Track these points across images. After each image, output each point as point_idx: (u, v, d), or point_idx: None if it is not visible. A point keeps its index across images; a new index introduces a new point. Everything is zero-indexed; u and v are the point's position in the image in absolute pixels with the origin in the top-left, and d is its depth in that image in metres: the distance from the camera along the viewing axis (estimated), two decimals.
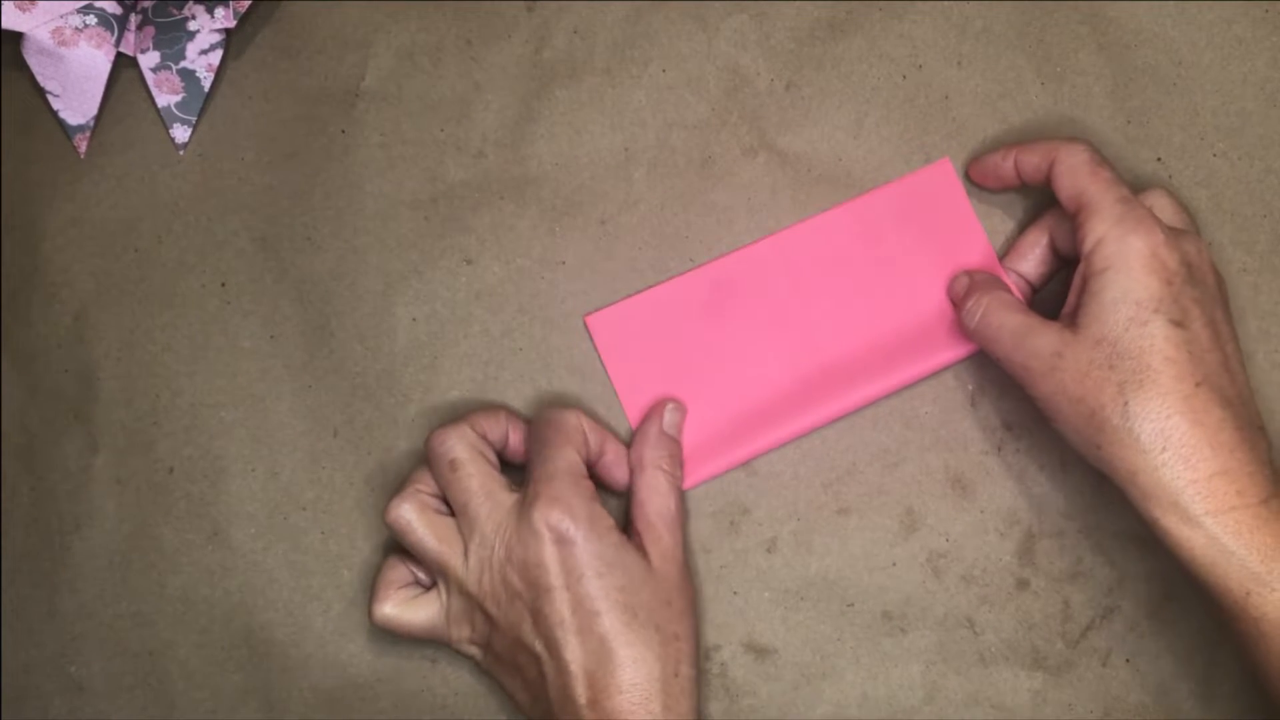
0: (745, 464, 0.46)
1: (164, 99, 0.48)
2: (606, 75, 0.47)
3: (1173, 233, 0.39)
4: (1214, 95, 0.46)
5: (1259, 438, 0.38)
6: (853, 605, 0.46)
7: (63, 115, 0.48)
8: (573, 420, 0.43)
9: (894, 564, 0.46)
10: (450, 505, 0.42)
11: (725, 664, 0.45)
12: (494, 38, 0.48)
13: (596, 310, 0.46)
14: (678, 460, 0.44)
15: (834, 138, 0.47)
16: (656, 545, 0.42)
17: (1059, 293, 0.43)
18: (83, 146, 0.49)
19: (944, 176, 0.46)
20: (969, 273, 0.45)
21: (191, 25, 0.47)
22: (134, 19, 0.48)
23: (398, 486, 0.43)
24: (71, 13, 0.46)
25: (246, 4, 0.46)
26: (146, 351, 0.48)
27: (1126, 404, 0.37)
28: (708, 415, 0.46)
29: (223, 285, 0.48)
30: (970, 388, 0.46)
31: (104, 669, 0.47)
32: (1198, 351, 0.38)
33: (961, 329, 0.44)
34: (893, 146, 0.47)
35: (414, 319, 0.47)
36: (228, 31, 0.48)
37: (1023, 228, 0.46)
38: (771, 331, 0.46)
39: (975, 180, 0.46)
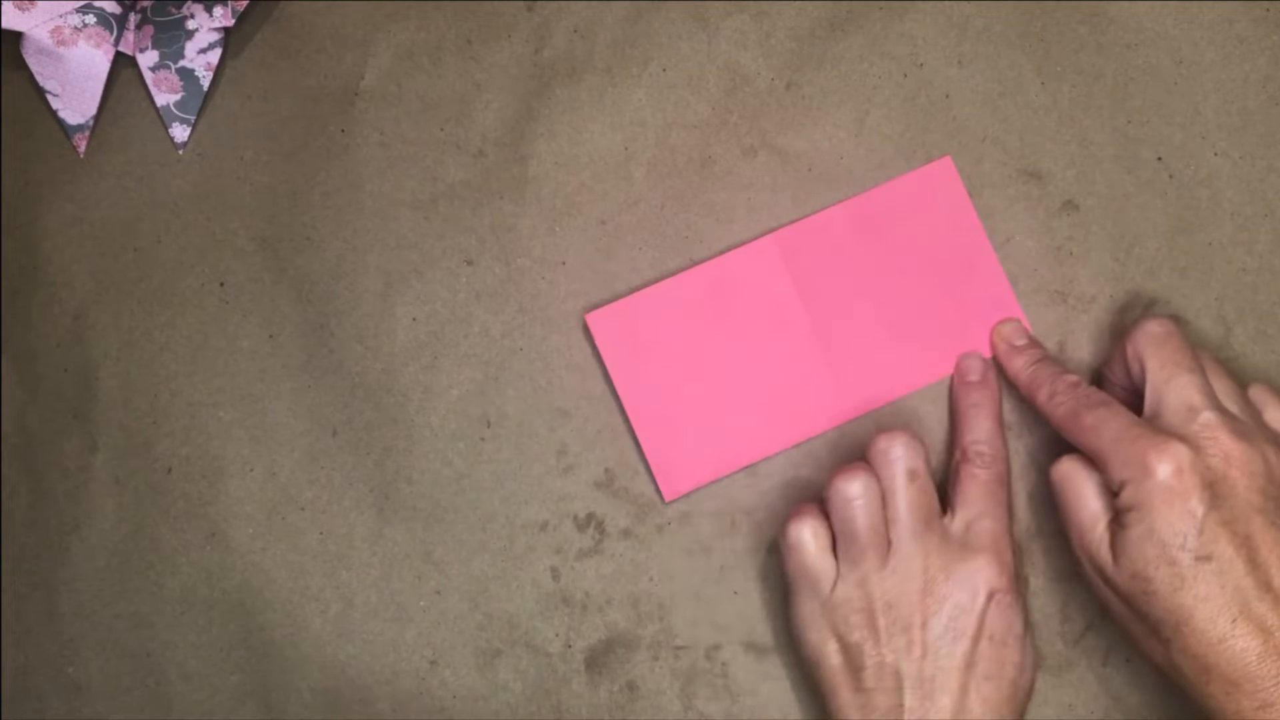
0: (747, 466, 0.46)
1: (163, 98, 0.48)
2: (606, 75, 0.47)
3: (1207, 441, 0.38)
4: (1215, 94, 0.46)
5: None
6: None
7: (62, 115, 0.48)
8: (1007, 493, 0.43)
9: None
10: (884, 508, 0.42)
11: (725, 664, 0.45)
12: (494, 37, 0.48)
13: (596, 308, 0.46)
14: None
15: (835, 137, 0.47)
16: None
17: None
18: (82, 146, 0.49)
19: (945, 175, 0.46)
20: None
21: (190, 24, 0.47)
22: (133, 18, 0.48)
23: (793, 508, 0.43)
24: (70, 12, 0.46)
25: (245, 3, 0.46)
26: (145, 351, 0.48)
27: (1168, 642, 0.38)
28: (708, 415, 0.46)
29: (222, 285, 0.48)
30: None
31: (102, 669, 0.47)
32: (1230, 582, 0.37)
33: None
34: (894, 145, 0.47)
35: (414, 319, 0.47)
36: (226, 30, 0.48)
37: (1024, 230, 0.46)
38: (773, 330, 0.46)
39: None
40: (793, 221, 0.46)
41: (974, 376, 0.45)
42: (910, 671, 0.40)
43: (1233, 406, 0.40)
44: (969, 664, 0.40)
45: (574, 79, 0.47)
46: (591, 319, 0.46)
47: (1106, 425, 0.39)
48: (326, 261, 0.48)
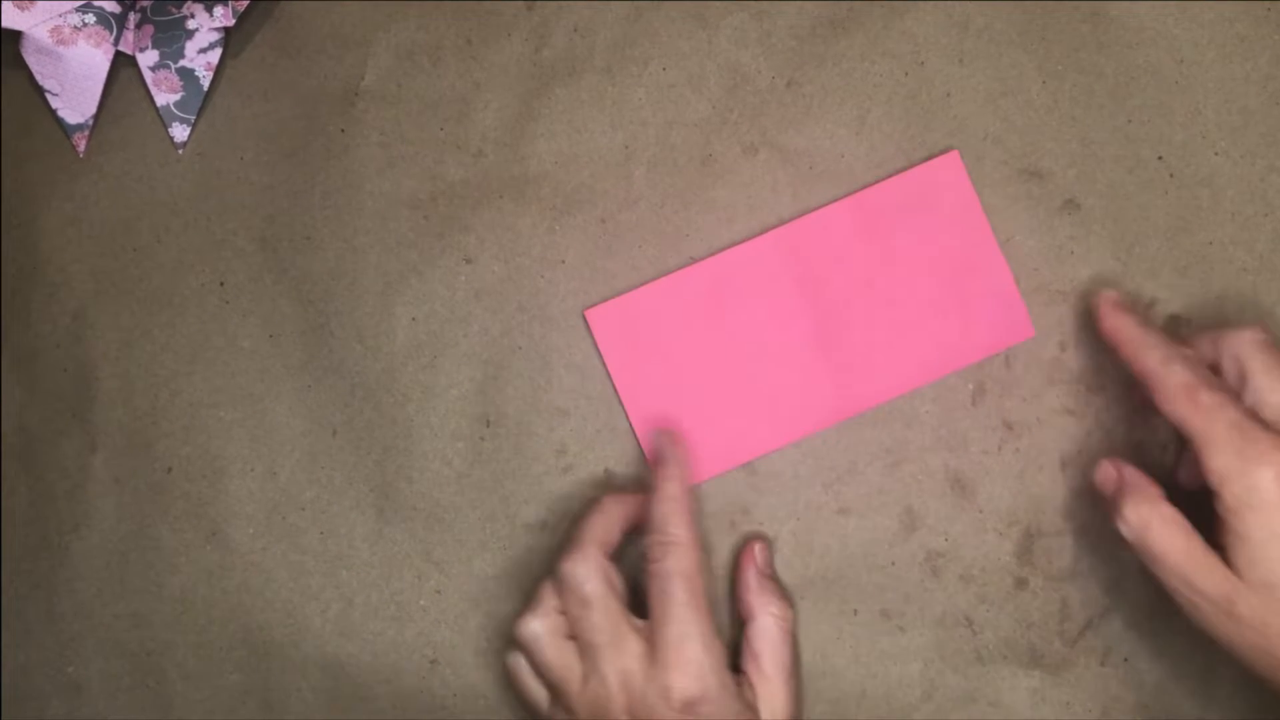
0: (745, 464, 0.46)
1: (163, 98, 0.48)
2: (606, 74, 0.47)
3: None
4: (1216, 94, 0.46)
5: None
6: (852, 604, 0.46)
7: (61, 114, 0.48)
8: (701, 580, 0.41)
9: (893, 563, 0.46)
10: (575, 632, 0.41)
11: None
12: (494, 37, 0.48)
13: (596, 304, 0.46)
14: (783, 599, 0.44)
15: (835, 135, 0.47)
16: (770, 701, 0.41)
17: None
18: (81, 145, 0.49)
19: (952, 169, 0.46)
20: (1117, 466, 0.41)
21: (190, 24, 0.47)
22: (133, 18, 0.47)
23: (529, 598, 0.42)
24: (70, 11, 0.46)
25: (245, 3, 0.46)
26: (145, 351, 0.48)
27: None
28: (708, 413, 0.46)
29: (222, 284, 0.48)
30: (970, 387, 0.46)
31: (102, 669, 0.47)
32: None
33: (1115, 528, 0.41)
34: (894, 144, 0.47)
35: (413, 318, 0.47)
36: (227, 30, 0.47)
37: (1025, 229, 0.46)
38: (774, 327, 0.46)
39: (1097, 319, 0.43)
40: (794, 219, 0.46)
41: (664, 453, 0.44)
42: None
43: None
44: None
45: (574, 78, 0.47)
46: (591, 315, 0.46)
47: (1225, 410, 0.37)
48: (326, 261, 0.48)
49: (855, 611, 0.46)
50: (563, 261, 0.47)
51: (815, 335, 0.46)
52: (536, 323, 0.47)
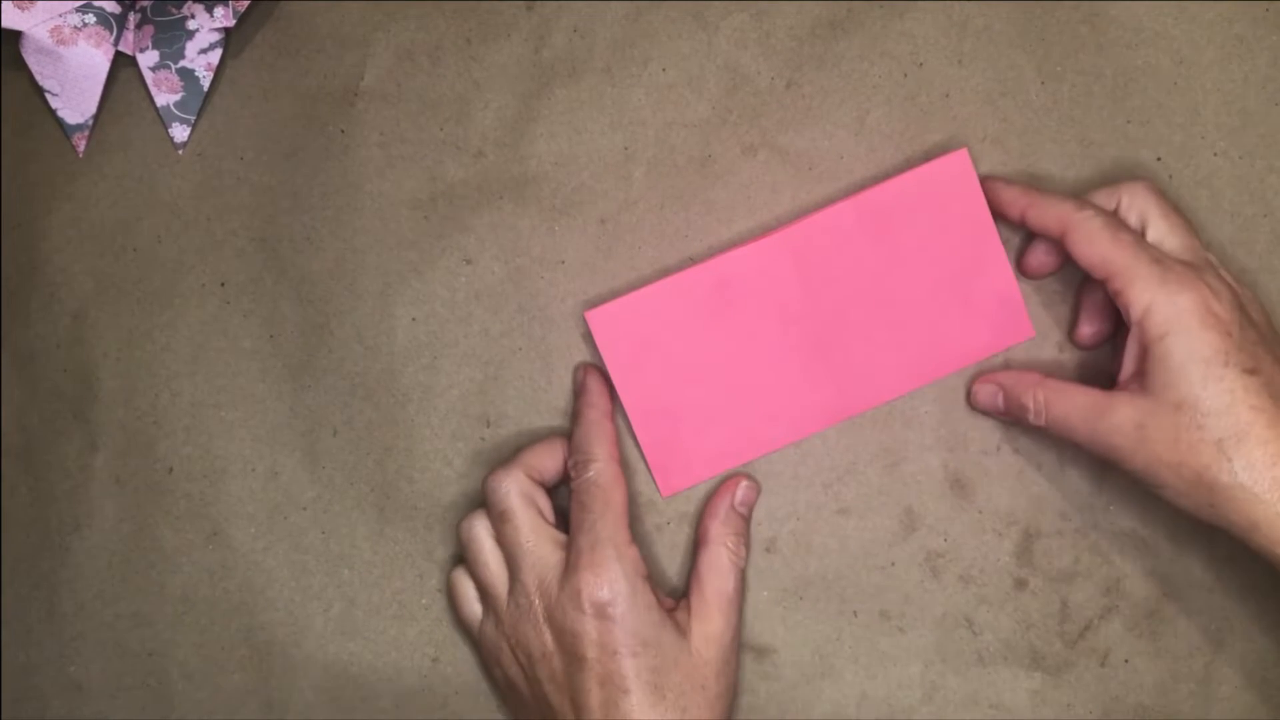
0: (745, 464, 0.46)
1: (163, 98, 0.48)
2: (606, 74, 0.47)
3: (1209, 277, 0.39)
4: (1215, 94, 0.46)
5: None
6: (852, 605, 0.46)
7: (61, 114, 0.48)
8: (618, 493, 0.42)
9: (893, 564, 0.46)
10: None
11: None
12: (494, 37, 0.48)
13: (596, 305, 0.46)
14: (744, 539, 0.45)
15: (835, 136, 0.47)
16: (704, 625, 0.42)
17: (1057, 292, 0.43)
18: (81, 146, 0.49)
19: (960, 167, 0.45)
20: (995, 380, 0.44)
21: (191, 24, 0.47)
22: (133, 18, 0.47)
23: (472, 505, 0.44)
24: (70, 11, 0.46)
25: (246, 3, 0.46)
26: (146, 351, 0.48)
27: (1231, 460, 0.37)
28: (708, 413, 0.46)
29: (222, 285, 0.48)
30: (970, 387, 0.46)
31: (104, 669, 0.47)
32: (1277, 391, 0.37)
33: (1030, 427, 0.43)
34: (894, 144, 0.47)
35: (413, 319, 0.47)
36: (227, 31, 0.47)
37: (1025, 229, 0.46)
38: (775, 329, 0.46)
39: (992, 200, 0.45)
40: (794, 219, 0.46)
41: (585, 383, 0.45)
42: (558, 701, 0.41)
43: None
44: (602, 682, 0.40)
45: (574, 79, 0.47)
46: (591, 316, 0.46)
47: (1146, 247, 0.39)
48: (326, 261, 0.48)
49: (855, 612, 0.46)
50: (562, 262, 0.47)
51: (815, 335, 0.46)
52: (536, 323, 0.47)
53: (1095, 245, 0.40)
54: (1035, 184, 0.43)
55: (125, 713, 0.47)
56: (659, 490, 0.46)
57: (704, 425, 0.46)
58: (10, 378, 0.49)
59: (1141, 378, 0.39)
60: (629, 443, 0.46)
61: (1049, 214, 0.41)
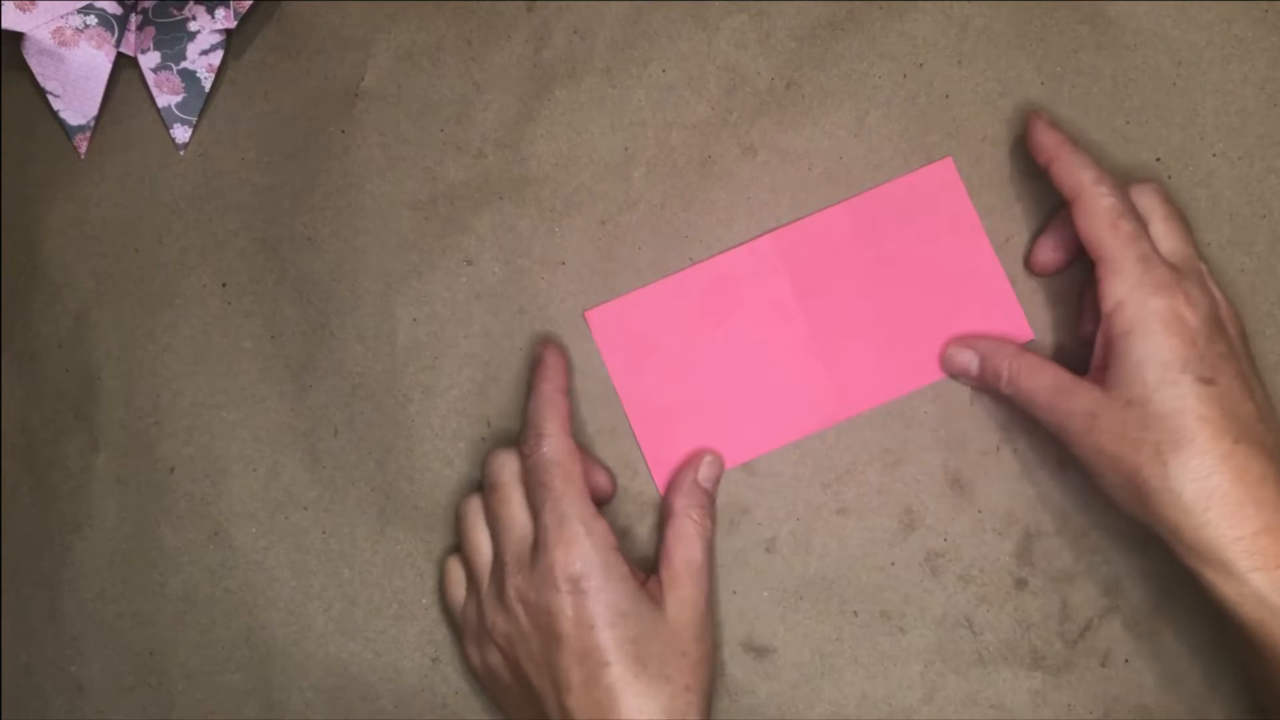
0: (745, 464, 0.46)
1: (164, 99, 0.48)
2: (606, 75, 0.47)
3: (1190, 284, 0.39)
4: (1213, 95, 0.46)
5: None
6: (851, 605, 0.46)
7: (63, 115, 0.48)
8: (575, 466, 0.42)
9: (892, 564, 0.46)
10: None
11: (725, 664, 0.46)
12: (494, 38, 0.48)
13: (596, 306, 0.46)
14: (709, 512, 0.45)
15: (835, 136, 0.47)
16: (676, 593, 0.42)
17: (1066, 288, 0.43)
18: (83, 147, 0.49)
19: (946, 175, 0.46)
20: (974, 345, 0.45)
21: (192, 26, 0.47)
22: (134, 19, 0.48)
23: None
24: (72, 13, 0.46)
25: (247, 4, 0.46)
26: (147, 351, 0.48)
27: (1166, 465, 0.37)
28: (708, 413, 0.46)
29: (223, 285, 0.48)
30: (969, 388, 0.46)
31: (104, 669, 0.47)
32: (1230, 406, 0.37)
33: (996, 393, 0.44)
34: (893, 145, 0.47)
35: (414, 319, 0.47)
36: (228, 32, 0.48)
37: (1024, 230, 0.46)
38: (774, 329, 0.46)
39: (1028, 136, 0.44)
40: (792, 221, 0.46)
41: (540, 358, 0.45)
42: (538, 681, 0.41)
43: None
44: (581, 658, 0.40)
45: (574, 79, 0.47)
46: (591, 316, 0.46)
47: (1139, 243, 0.39)
48: (327, 262, 0.48)
49: (855, 612, 0.46)
50: (563, 263, 0.47)
51: (814, 336, 0.46)
52: (537, 324, 0.47)
53: (1094, 225, 0.40)
54: (1068, 142, 0.42)
55: (126, 712, 0.47)
56: (659, 490, 0.46)
57: (704, 425, 0.46)
58: (12, 378, 0.49)
59: (1104, 370, 0.39)
60: (629, 442, 0.46)
61: (1068, 176, 0.41)
